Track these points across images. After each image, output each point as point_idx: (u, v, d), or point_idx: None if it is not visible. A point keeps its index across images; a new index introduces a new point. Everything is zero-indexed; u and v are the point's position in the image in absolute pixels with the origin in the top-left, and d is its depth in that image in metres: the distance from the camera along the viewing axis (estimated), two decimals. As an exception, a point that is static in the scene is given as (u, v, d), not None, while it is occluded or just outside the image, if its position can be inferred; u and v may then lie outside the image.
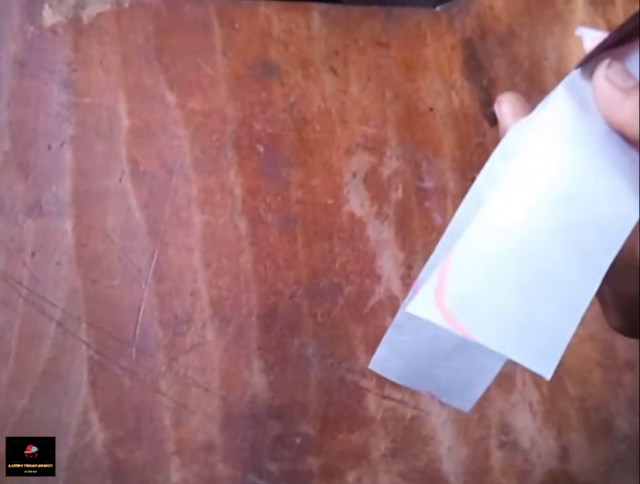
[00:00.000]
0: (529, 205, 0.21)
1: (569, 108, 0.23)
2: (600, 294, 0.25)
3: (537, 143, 0.22)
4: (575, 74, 0.24)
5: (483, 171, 0.25)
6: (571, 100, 0.23)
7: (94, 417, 0.41)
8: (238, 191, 0.43)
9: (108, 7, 0.43)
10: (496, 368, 0.26)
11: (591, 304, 0.20)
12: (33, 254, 0.42)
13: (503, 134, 0.25)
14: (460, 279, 0.21)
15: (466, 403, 0.27)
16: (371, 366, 0.27)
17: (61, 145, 0.42)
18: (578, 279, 0.21)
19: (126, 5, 0.43)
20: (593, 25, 0.45)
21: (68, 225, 0.42)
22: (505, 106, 0.26)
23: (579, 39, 0.46)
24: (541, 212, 0.21)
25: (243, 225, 0.43)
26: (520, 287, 0.21)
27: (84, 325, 0.42)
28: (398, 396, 0.43)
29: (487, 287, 0.21)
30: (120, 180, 0.42)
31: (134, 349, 0.42)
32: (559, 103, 0.23)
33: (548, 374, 0.20)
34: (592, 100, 0.23)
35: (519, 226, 0.21)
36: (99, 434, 0.41)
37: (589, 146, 0.22)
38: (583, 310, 0.21)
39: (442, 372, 0.27)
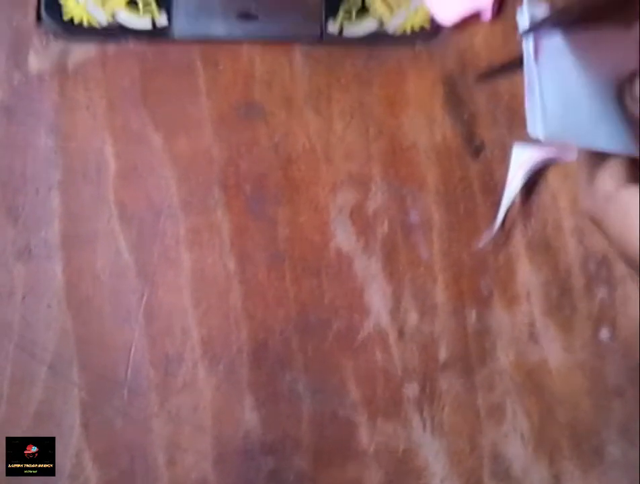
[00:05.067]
0: None
1: None
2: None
3: None
4: None
5: None
6: None
7: (87, 458, 0.42)
8: (226, 231, 0.43)
9: (93, 52, 0.44)
10: None
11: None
12: (23, 298, 0.42)
13: None
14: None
15: None
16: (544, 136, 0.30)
17: (49, 190, 0.43)
18: None
19: (111, 50, 0.44)
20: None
21: (58, 268, 0.42)
22: None
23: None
24: None
25: (231, 264, 0.43)
26: None
27: (75, 367, 0.42)
28: (390, 429, 0.43)
29: None
30: (108, 222, 0.43)
31: (126, 390, 0.42)
32: None
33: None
34: None
35: None
36: (92, 475, 0.42)
37: None
38: None
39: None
